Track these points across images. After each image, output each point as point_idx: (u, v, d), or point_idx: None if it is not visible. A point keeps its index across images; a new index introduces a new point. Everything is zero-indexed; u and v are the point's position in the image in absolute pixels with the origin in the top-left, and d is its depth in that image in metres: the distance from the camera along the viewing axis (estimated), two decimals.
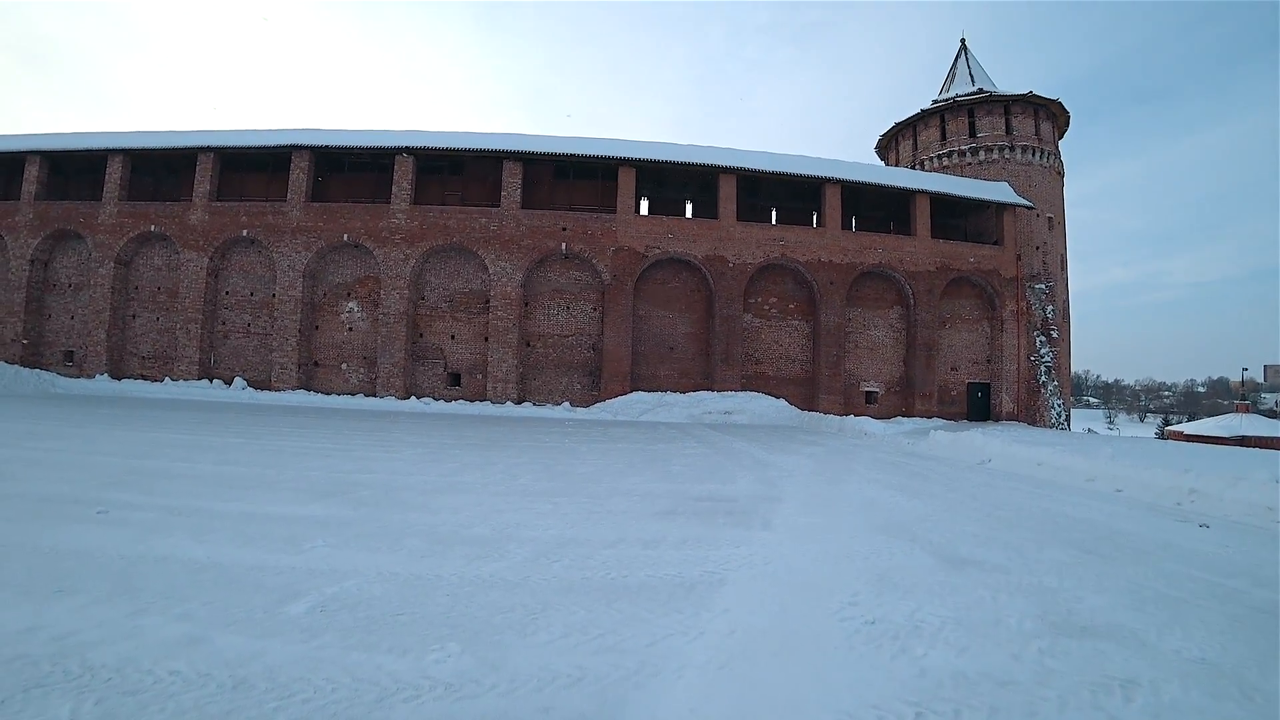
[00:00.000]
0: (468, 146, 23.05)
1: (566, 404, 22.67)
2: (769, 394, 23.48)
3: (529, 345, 23.42)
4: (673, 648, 2.96)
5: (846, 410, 23.41)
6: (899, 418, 23.60)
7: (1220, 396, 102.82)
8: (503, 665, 2.68)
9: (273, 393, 21.81)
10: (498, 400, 22.24)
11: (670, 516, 5.97)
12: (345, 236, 22.78)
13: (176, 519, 4.97)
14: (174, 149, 23.34)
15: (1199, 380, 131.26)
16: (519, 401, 22.60)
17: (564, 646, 2.91)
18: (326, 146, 22.90)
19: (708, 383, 23.55)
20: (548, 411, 21.35)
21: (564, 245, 22.93)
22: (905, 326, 25.38)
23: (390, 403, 21.46)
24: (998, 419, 25.39)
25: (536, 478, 8.00)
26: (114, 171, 23.35)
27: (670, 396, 22.34)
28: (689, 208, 27.14)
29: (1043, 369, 25.55)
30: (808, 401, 24.05)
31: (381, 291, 22.71)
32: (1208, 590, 4.28)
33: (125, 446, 9.09)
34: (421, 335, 23.41)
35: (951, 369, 25.89)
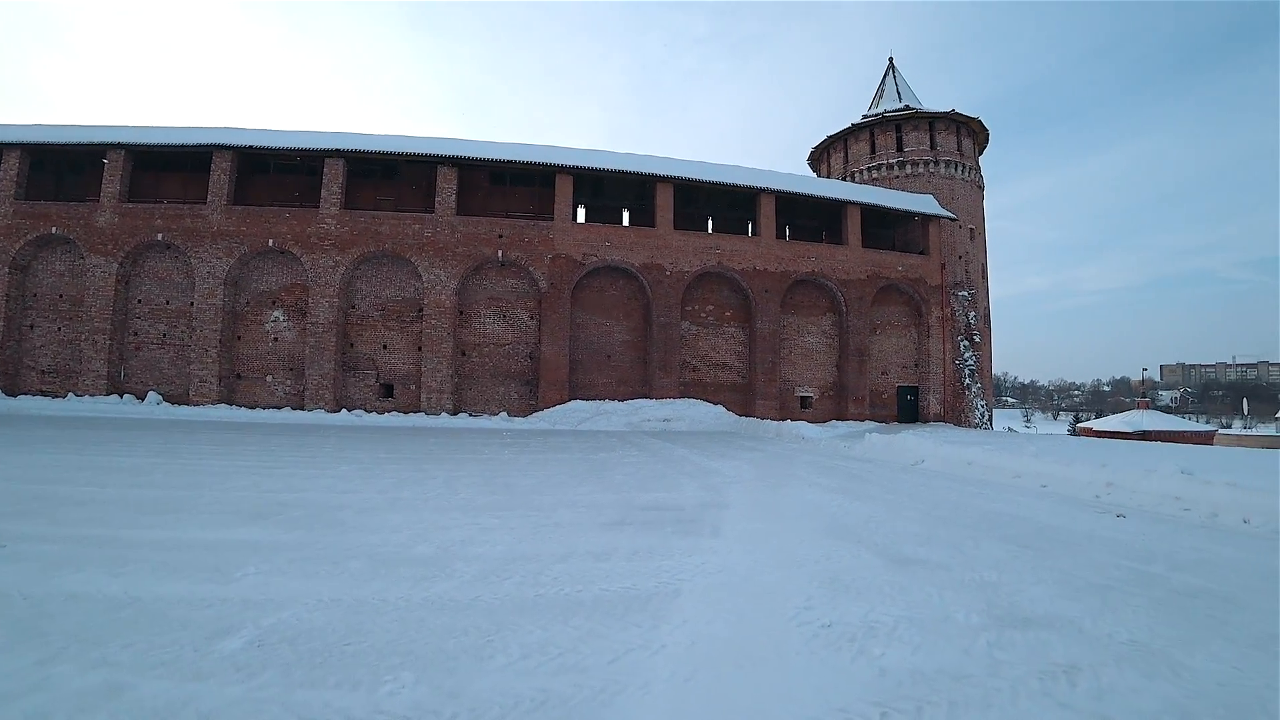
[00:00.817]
0: (401, 150, 22.42)
1: (504, 414, 22.29)
2: (706, 400, 23.77)
3: (464, 354, 22.92)
4: (635, 663, 2.90)
5: (782, 415, 23.92)
6: (833, 421, 24.31)
7: (1123, 394, 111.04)
8: (461, 693, 2.55)
9: (191, 407, 20.52)
10: (432, 411, 21.66)
11: (619, 527, 5.90)
12: (271, 242, 21.74)
13: (87, 550, 4.53)
14: (79, 144, 21.69)
15: (1104, 380, 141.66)
16: (454, 412, 22.08)
17: (523, 669, 2.81)
18: (251, 147, 21.78)
19: (646, 390, 23.63)
20: (485, 422, 20.91)
21: (500, 252, 22.59)
22: (838, 333, 26.20)
23: (320, 416, 20.54)
24: (926, 420, 26.49)
25: (478, 491, 7.78)
26: (9, 168, 21.46)
27: (609, 405, 22.28)
28: (626, 216, 27.25)
29: (966, 372, 26.84)
30: (744, 407, 24.46)
31: (310, 300, 21.77)
32: (1131, 577, 4.55)
33: (25, 470, 8.29)
34: (352, 345, 22.56)
35: (882, 373, 26.88)
